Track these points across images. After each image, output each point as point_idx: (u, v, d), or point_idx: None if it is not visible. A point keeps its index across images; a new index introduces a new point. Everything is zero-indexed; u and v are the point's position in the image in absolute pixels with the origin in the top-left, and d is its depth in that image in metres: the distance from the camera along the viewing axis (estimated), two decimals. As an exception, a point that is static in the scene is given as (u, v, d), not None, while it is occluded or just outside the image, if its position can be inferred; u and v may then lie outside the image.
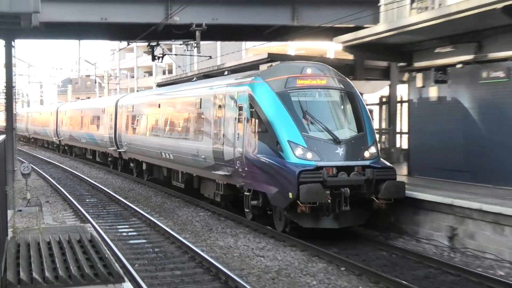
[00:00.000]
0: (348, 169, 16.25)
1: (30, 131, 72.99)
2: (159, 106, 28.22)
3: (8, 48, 20.24)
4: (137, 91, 70.70)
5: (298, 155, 16.13)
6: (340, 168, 16.14)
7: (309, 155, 16.19)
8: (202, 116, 22.06)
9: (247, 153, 17.87)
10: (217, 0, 25.94)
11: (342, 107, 17.94)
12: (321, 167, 15.88)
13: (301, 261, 15.26)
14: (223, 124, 19.81)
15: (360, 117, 17.65)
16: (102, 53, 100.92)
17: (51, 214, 21.48)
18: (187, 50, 36.13)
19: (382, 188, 16.01)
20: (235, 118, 18.82)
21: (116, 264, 11.37)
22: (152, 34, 29.12)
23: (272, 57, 21.64)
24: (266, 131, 17.12)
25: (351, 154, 16.72)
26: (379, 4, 25.11)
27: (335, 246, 16.64)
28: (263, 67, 19.49)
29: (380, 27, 20.44)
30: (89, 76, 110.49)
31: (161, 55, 34.14)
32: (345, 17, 25.81)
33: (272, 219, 18.26)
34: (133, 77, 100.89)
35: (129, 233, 19.36)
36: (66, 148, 51.02)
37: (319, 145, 16.50)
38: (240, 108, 18.53)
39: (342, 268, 14.48)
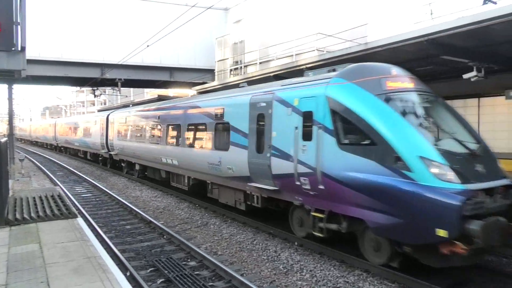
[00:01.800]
0: (490, 191, 6.84)
1: (32, 137, 62.29)
2: (158, 118, 16.85)
3: (9, 89, 18.46)
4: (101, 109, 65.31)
5: (437, 175, 6.55)
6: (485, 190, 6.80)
7: (450, 175, 6.58)
8: (227, 126, 11.45)
9: (328, 169, 7.96)
10: (129, 66, 24.95)
11: (447, 113, 8.18)
12: (471, 191, 6.52)
13: (176, 202, 15.04)
14: (270, 135, 9.66)
15: (467, 124, 8.13)
16: (66, 92, 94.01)
17: (36, 181, 19.72)
18: (114, 92, 34.35)
19: None
20: (296, 127, 8.80)
21: (73, 208, 10.66)
22: (94, 83, 27.83)
23: (160, 97, 20.98)
24: (372, 144, 7.25)
25: (491, 171, 7.17)
26: (215, 71, 25.40)
27: (199, 194, 15.02)
28: (328, 73, 8.94)
29: (215, 83, 20.50)
30: (58, 105, 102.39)
31: (100, 94, 32.59)
32: (198, 77, 25.91)
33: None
34: (83, 106, 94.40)
35: (82, 191, 18.09)
36: (62, 148, 42.07)
37: (458, 162, 6.86)
38: (307, 116, 8.57)
39: (197, 205, 14.34)
